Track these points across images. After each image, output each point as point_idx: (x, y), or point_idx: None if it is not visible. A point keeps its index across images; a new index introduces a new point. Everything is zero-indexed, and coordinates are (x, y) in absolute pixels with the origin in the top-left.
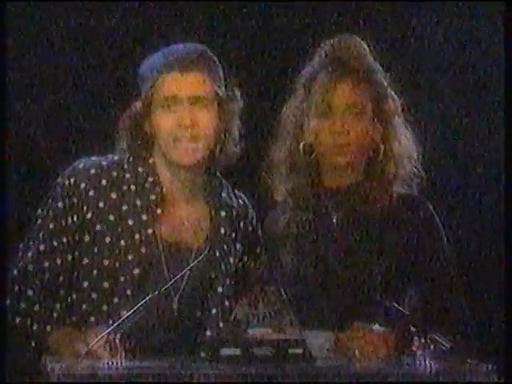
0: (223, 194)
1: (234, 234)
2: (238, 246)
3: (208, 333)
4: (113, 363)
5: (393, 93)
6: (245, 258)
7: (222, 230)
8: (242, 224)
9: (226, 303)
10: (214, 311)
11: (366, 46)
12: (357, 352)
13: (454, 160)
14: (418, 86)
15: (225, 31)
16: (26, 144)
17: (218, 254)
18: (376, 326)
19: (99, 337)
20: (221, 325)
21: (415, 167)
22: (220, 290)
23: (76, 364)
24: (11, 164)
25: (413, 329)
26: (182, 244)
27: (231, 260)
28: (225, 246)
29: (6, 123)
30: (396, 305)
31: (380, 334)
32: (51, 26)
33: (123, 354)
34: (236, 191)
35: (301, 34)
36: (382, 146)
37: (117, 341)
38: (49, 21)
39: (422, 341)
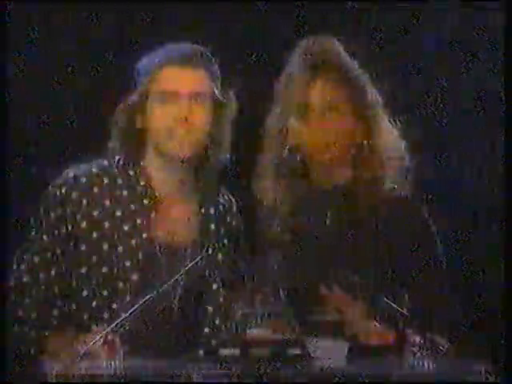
0: (211, 191)
1: (221, 230)
2: (226, 241)
3: (206, 330)
4: (112, 363)
5: (373, 89)
6: (232, 254)
7: (212, 227)
8: (228, 219)
9: (221, 300)
10: (210, 309)
11: (338, 43)
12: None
13: (452, 159)
14: (417, 85)
15: (221, 33)
16: (26, 147)
17: (210, 251)
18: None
19: (98, 337)
20: (217, 322)
21: (402, 160)
22: (215, 287)
23: (75, 364)
24: (11, 167)
25: (403, 325)
26: (177, 244)
27: (220, 256)
28: (215, 243)
29: (6, 123)
30: (392, 304)
31: (378, 333)
32: (51, 26)
33: (122, 354)
34: (222, 188)
35: (295, 35)
36: (365, 142)
37: (116, 341)
38: (48, 21)
39: (421, 341)
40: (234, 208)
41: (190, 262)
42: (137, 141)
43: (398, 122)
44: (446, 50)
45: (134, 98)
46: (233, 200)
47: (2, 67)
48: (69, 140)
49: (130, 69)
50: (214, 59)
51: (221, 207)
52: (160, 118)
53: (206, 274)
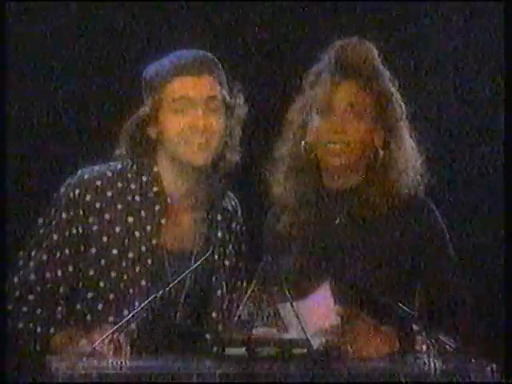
0: (220, 197)
1: (227, 236)
2: (231, 247)
3: (207, 336)
4: (117, 363)
5: (399, 99)
6: (235, 259)
7: (220, 234)
8: (233, 225)
9: (225, 306)
10: (213, 314)
11: (374, 49)
12: (350, 348)
13: (454, 162)
14: (419, 88)
15: (228, 35)
16: (26, 149)
17: (216, 257)
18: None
19: (103, 336)
20: (220, 328)
21: (418, 175)
22: (219, 293)
23: (80, 363)
24: (11, 169)
25: (415, 327)
26: (184, 250)
27: (227, 262)
28: (221, 249)
29: (6, 128)
30: (400, 304)
31: (383, 333)
32: (52, 30)
33: (128, 353)
34: (229, 192)
35: (305, 39)
36: (381, 151)
37: (121, 340)
38: (49, 25)
39: (427, 341)
40: (239, 213)
41: (196, 267)
42: (149, 148)
43: (415, 134)
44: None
45: (145, 109)
46: (238, 204)
47: (1, 69)
48: (69, 143)
49: (134, 75)
50: (220, 65)
51: (227, 213)
52: (175, 127)
53: (213, 279)
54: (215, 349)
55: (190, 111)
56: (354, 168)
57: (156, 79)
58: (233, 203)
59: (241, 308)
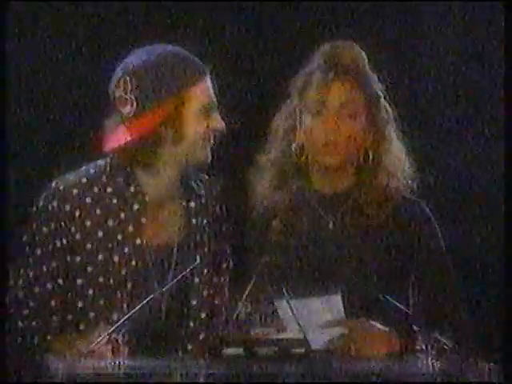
0: (193, 185)
1: (204, 221)
2: (209, 231)
3: (191, 323)
4: (115, 363)
5: (387, 104)
6: (216, 240)
7: (194, 221)
8: (209, 209)
9: (205, 293)
10: (193, 302)
11: (362, 52)
12: (353, 348)
13: (454, 163)
14: (419, 89)
15: (214, 39)
16: (26, 155)
17: (198, 259)
18: (379, 325)
19: (102, 336)
20: (202, 316)
21: (408, 178)
22: (197, 280)
23: (79, 363)
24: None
25: (416, 328)
26: (165, 245)
27: (206, 250)
28: (198, 237)
29: (5, 135)
30: (398, 304)
31: (383, 333)
32: (52, 31)
33: (126, 353)
34: (200, 175)
35: (293, 43)
36: (372, 153)
37: (119, 340)
38: (49, 26)
39: (425, 340)
40: (214, 192)
41: (179, 263)
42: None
43: (404, 134)
44: (446, 51)
45: (167, 108)
46: (213, 185)
47: (1, 72)
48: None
49: None
50: None
51: (203, 199)
52: (197, 129)
53: (191, 285)
54: (213, 349)
55: (210, 115)
56: (345, 170)
57: (165, 87)
58: (206, 185)
59: (239, 308)
